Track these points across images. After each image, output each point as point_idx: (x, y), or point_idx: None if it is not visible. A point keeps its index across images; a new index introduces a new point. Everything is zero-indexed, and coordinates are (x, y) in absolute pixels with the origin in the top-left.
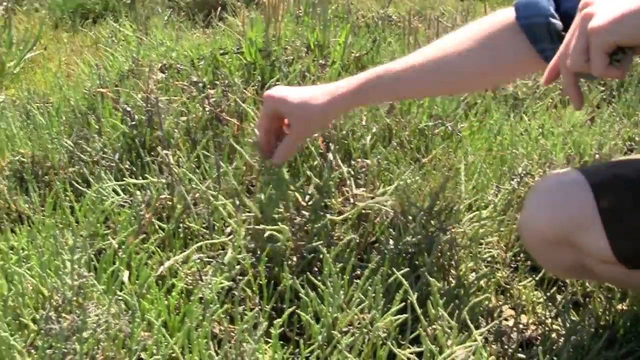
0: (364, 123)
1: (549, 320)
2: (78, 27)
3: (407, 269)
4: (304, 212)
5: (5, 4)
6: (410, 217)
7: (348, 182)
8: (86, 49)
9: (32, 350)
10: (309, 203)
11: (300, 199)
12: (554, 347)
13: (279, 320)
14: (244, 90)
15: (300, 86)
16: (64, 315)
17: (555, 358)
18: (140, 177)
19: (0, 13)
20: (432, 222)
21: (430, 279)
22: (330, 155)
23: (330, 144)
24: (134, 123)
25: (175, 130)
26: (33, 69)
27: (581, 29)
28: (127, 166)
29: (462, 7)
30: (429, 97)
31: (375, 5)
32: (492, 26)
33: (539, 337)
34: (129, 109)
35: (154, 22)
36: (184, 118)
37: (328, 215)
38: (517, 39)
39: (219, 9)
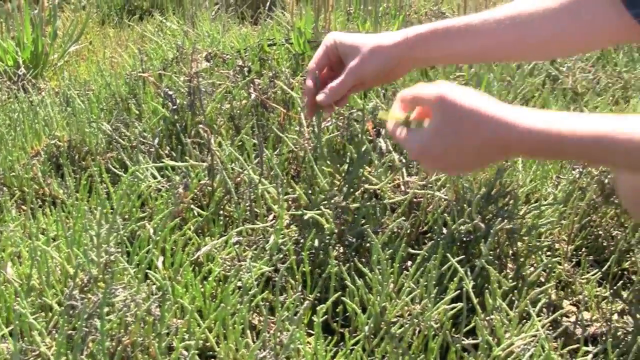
0: None
1: (614, 317)
2: (125, 22)
3: (462, 256)
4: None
5: None
6: (465, 206)
7: (399, 167)
8: (132, 43)
9: (55, 333)
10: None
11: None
12: (621, 345)
13: (322, 306)
14: (292, 80)
15: None
16: (89, 296)
17: (623, 357)
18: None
19: (47, 5)
20: (489, 207)
21: (488, 266)
22: (380, 141)
23: (381, 130)
24: (175, 107)
25: (219, 116)
26: (78, 62)
27: None
28: (166, 152)
29: None
30: (501, 59)
31: (427, 3)
32: None
33: (604, 334)
34: (170, 92)
35: (202, 16)
36: (228, 105)
37: (375, 199)
38: (606, 1)
39: (268, 3)
